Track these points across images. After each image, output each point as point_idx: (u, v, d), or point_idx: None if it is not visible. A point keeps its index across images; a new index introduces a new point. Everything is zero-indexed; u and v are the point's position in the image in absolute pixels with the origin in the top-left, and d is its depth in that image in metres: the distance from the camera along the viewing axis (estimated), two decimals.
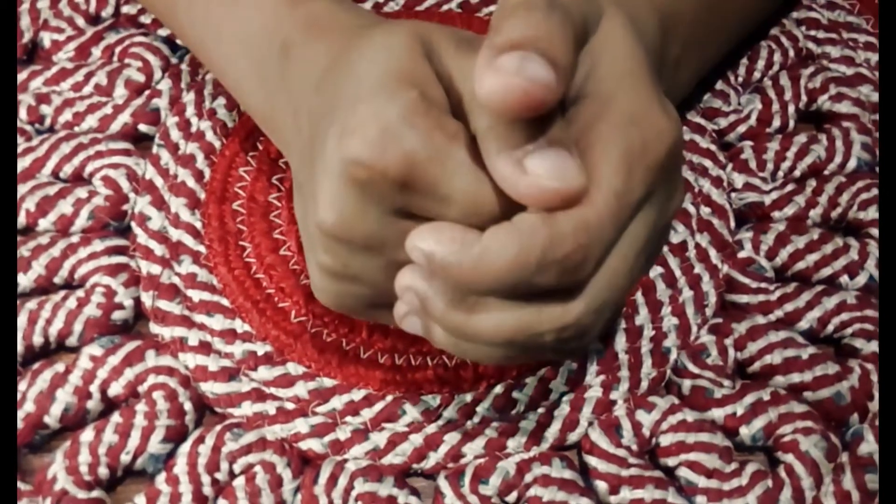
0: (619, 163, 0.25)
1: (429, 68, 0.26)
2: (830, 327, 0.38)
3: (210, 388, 0.37)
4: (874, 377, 0.37)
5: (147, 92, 0.44)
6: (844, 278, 0.39)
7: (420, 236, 0.25)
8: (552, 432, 0.36)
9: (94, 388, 0.36)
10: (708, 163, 0.42)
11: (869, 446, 0.35)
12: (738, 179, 0.42)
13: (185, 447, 0.35)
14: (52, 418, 0.36)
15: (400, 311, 0.28)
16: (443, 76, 0.27)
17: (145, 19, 0.47)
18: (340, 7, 0.33)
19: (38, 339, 0.38)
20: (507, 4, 0.24)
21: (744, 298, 0.39)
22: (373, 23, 0.31)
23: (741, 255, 0.40)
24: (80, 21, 0.47)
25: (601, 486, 0.35)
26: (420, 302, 0.26)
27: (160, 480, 0.35)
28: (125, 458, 0.35)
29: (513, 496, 0.35)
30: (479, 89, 0.23)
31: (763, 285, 0.39)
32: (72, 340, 0.38)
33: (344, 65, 0.28)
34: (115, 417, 0.36)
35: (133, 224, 0.41)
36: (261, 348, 0.38)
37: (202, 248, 0.40)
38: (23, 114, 0.43)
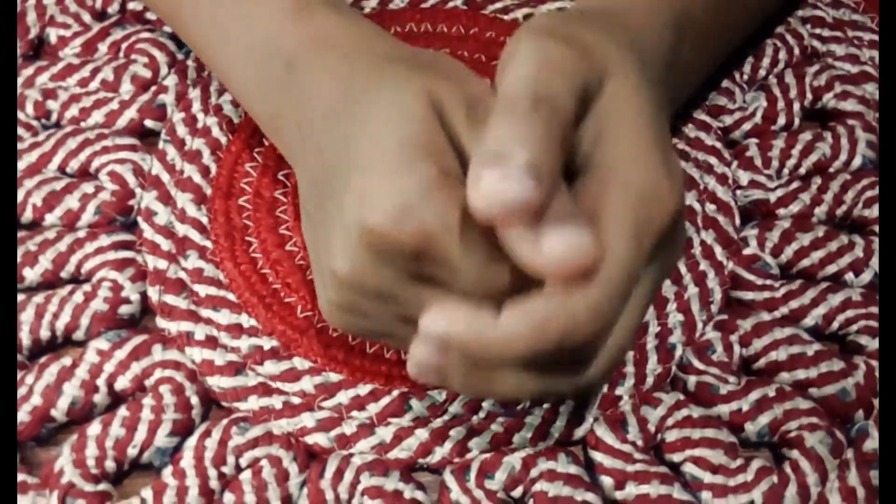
0: (629, 239, 0.25)
1: (444, 138, 0.27)
2: (835, 324, 0.38)
3: (216, 382, 0.37)
4: None
5: (153, 88, 0.44)
6: (849, 275, 0.39)
7: (433, 318, 0.25)
8: (557, 428, 0.36)
9: (100, 381, 0.36)
10: (713, 160, 0.42)
11: (874, 442, 0.35)
12: (744, 177, 0.42)
13: (191, 441, 0.35)
14: (58, 412, 0.36)
15: (412, 368, 0.28)
16: (454, 141, 0.27)
17: (151, 16, 0.47)
18: (342, 18, 0.33)
19: (44, 333, 0.38)
20: (496, 100, 0.25)
21: (749, 295, 0.39)
22: (378, 50, 0.31)
23: (746, 252, 0.40)
24: (87, 17, 0.47)
25: (607, 481, 0.35)
26: (435, 368, 0.27)
27: (167, 474, 0.35)
28: (132, 451, 0.35)
29: (518, 491, 0.35)
30: (470, 204, 0.24)
31: (768, 282, 0.39)
32: (78, 334, 0.38)
33: (354, 113, 0.28)
34: (122, 411, 0.36)
35: (139, 219, 0.41)
36: (267, 343, 0.38)
37: (208, 244, 0.40)
38: (29, 109, 0.43)
